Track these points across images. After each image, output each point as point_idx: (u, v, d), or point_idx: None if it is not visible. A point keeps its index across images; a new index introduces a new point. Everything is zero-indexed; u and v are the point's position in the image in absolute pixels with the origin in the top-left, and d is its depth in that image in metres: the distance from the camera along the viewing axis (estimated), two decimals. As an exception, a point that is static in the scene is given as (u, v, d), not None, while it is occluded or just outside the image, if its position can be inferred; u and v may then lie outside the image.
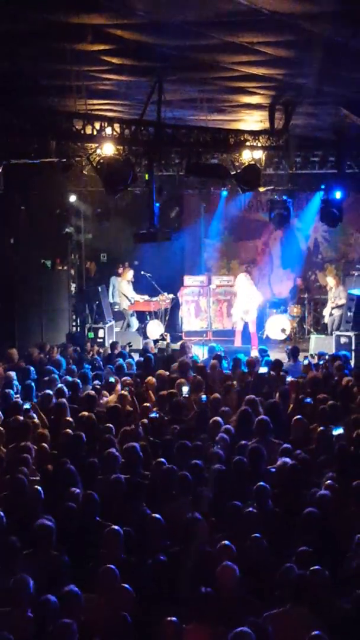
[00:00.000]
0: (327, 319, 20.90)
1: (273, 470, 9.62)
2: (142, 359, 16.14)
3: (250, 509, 8.32)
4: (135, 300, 21.79)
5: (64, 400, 12.20)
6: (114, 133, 12.31)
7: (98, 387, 13.63)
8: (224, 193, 22.03)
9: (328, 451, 9.99)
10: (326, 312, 21.03)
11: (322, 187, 17.50)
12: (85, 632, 6.40)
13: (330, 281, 21.29)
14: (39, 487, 8.81)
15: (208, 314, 22.46)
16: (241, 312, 20.76)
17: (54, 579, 7.07)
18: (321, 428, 10.71)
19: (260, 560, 7.48)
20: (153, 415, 11.61)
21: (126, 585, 7.03)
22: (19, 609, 6.69)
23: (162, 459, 9.67)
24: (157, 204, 13.99)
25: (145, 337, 20.90)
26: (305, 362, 15.40)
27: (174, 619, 6.41)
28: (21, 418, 11.28)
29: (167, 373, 14.16)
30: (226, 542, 7.54)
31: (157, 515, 8.09)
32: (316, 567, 6.93)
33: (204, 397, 12.43)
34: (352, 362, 16.54)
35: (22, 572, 6.96)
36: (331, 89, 12.04)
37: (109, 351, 17.47)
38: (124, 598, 6.95)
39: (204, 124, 13.92)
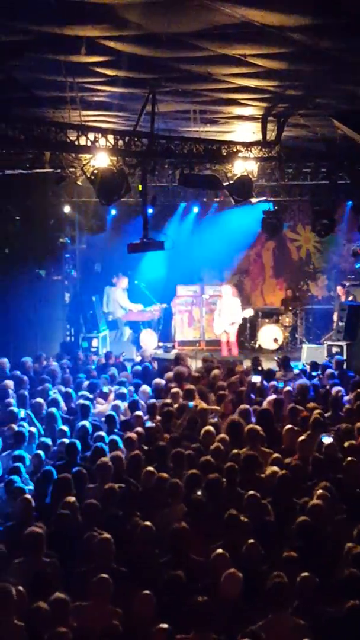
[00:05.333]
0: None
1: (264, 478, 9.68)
2: (139, 368, 16.21)
3: (243, 517, 8.36)
4: (130, 310, 21.82)
5: (55, 409, 12.26)
6: (108, 144, 12.36)
7: (91, 396, 13.68)
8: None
9: (318, 460, 10.05)
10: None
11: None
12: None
13: (339, 290, 21.47)
14: (30, 496, 8.85)
15: (201, 324, 22.51)
16: (225, 324, 20.81)
17: (44, 586, 7.09)
18: (302, 437, 10.79)
19: (255, 567, 7.51)
20: (149, 424, 11.66)
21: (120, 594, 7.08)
22: (4, 618, 6.71)
23: (154, 468, 9.73)
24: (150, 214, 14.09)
25: (139, 346, 20.95)
26: (296, 371, 15.48)
27: (166, 625, 6.44)
28: (16, 427, 11.35)
29: (164, 382, 14.23)
30: (219, 550, 7.60)
31: (149, 524, 8.15)
32: (305, 573, 7.00)
33: (190, 404, 12.50)
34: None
35: (10, 580, 6.99)
36: (322, 100, 12.14)
37: (104, 361, 17.52)
38: (117, 607, 6.99)
39: (197, 135, 13.99)
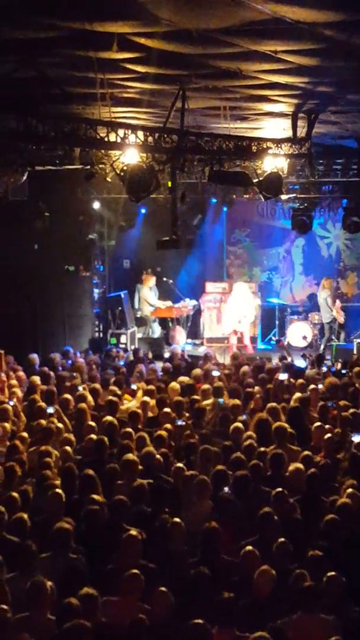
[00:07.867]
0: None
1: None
2: (168, 365, 16.21)
3: (271, 514, 8.32)
4: (157, 307, 21.79)
5: (85, 405, 12.28)
6: (138, 140, 12.37)
7: (119, 393, 13.69)
8: None
9: (349, 458, 10.01)
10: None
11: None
12: (106, 634, 6.45)
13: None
14: (60, 491, 8.87)
15: (230, 321, 22.46)
16: (235, 322, 20.71)
17: (73, 581, 7.11)
18: (328, 435, 10.75)
19: (286, 565, 7.48)
20: (180, 422, 11.64)
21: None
22: (38, 611, 6.76)
23: (184, 465, 9.72)
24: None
25: (168, 343, 20.95)
26: (324, 369, 15.42)
27: (201, 621, 6.40)
28: (44, 422, 11.38)
29: (192, 379, 14.22)
30: (249, 547, 7.58)
31: (178, 520, 8.13)
32: (332, 573, 6.96)
33: (220, 400, 12.49)
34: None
35: (40, 575, 7.02)
36: (354, 97, 12.07)
37: (131, 357, 17.53)
38: (145, 603, 6.99)
39: (226, 131, 13.96)
